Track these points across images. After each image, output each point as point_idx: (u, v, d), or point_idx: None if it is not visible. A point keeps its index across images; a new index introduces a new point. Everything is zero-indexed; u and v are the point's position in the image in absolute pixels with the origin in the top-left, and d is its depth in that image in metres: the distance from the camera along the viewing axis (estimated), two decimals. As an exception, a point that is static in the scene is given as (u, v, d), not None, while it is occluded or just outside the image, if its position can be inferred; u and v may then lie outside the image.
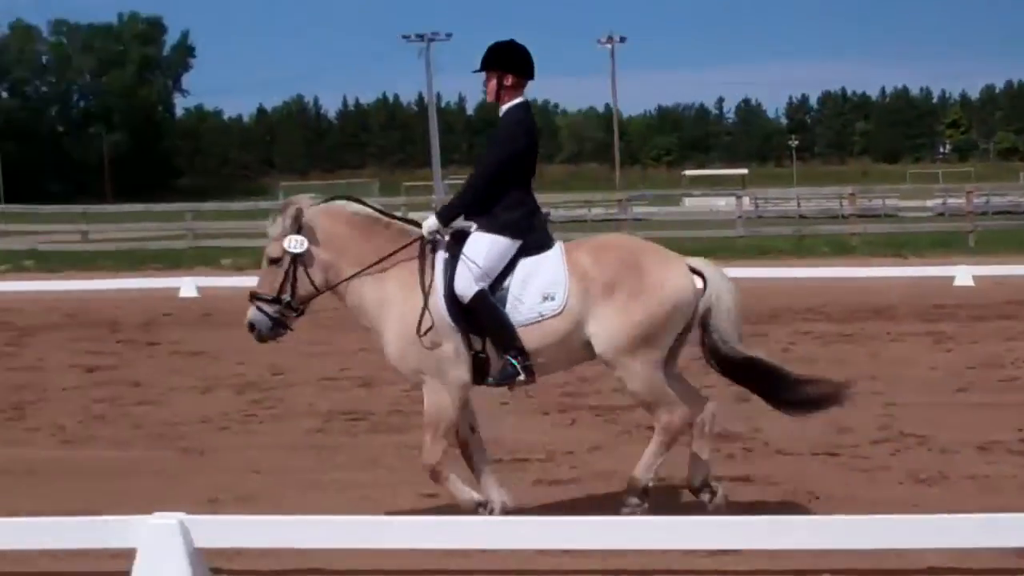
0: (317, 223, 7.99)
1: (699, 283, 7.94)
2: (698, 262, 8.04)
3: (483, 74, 8.10)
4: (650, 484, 7.75)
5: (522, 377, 7.77)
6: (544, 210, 8.47)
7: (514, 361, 7.72)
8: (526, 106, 8.16)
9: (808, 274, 24.95)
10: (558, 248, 7.94)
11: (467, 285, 7.69)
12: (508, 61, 8.10)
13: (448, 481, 7.84)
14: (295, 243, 7.91)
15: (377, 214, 8.12)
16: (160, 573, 6.66)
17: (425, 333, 7.68)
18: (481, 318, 7.73)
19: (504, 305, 7.78)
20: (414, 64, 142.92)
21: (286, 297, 7.98)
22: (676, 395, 7.87)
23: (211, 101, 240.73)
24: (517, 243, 7.89)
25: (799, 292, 21.71)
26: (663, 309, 7.73)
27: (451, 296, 7.74)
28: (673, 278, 7.82)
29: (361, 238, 7.98)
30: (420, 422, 8.24)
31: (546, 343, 7.78)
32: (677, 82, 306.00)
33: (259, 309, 8.00)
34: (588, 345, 7.83)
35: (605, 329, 7.75)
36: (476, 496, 7.85)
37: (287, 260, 7.95)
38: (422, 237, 7.92)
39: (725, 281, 8.03)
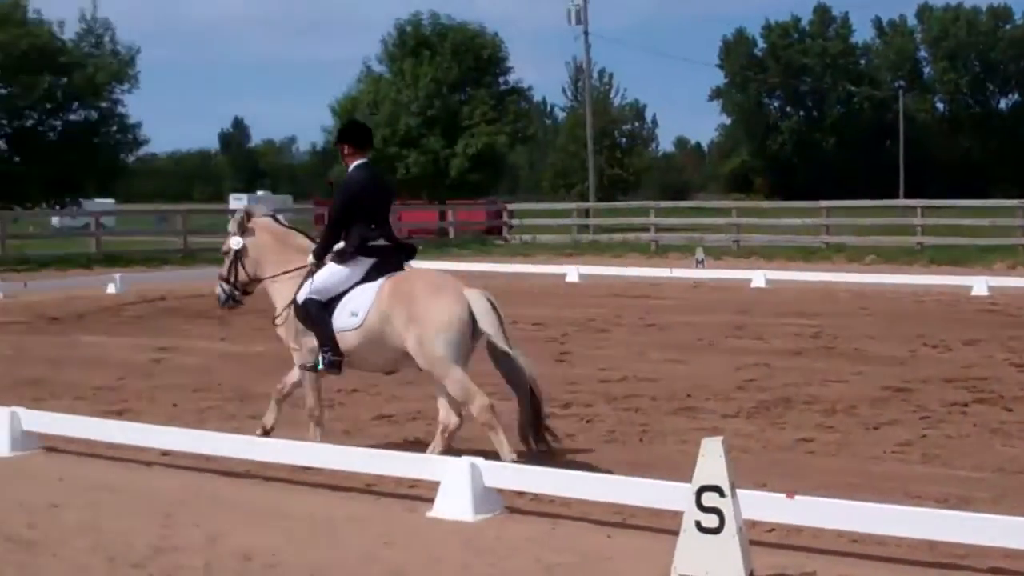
0: (254, 230, 10.97)
1: (469, 307, 9.89)
2: (467, 292, 9.98)
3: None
4: (513, 457, 9.37)
5: (321, 367, 10.24)
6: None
7: (323, 354, 10.16)
8: (363, 166, 10.69)
9: None
10: (381, 280, 10.19)
11: (303, 295, 10.30)
12: (348, 136, 10.89)
13: (312, 428, 10.55)
14: (235, 242, 10.97)
15: (294, 234, 11.10)
16: (455, 501, 8.53)
17: (284, 321, 10.57)
18: (308, 319, 10.24)
19: (333, 314, 10.17)
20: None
21: (232, 280, 11.03)
22: (479, 388, 9.87)
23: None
24: (350, 269, 10.32)
25: None
26: (434, 328, 9.74)
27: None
28: (444, 304, 9.85)
29: (279, 249, 10.84)
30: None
31: (350, 347, 10.12)
32: None
33: (220, 286, 11.14)
34: (405, 355, 9.98)
35: (411, 345, 9.84)
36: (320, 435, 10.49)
37: (232, 254, 11.01)
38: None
39: (484, 303, 9.96)
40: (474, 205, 57.66)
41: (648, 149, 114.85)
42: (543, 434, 9.78)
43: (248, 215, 11.16)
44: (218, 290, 11.24)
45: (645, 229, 44.29)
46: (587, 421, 11.64)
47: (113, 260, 36.23)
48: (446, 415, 10.04)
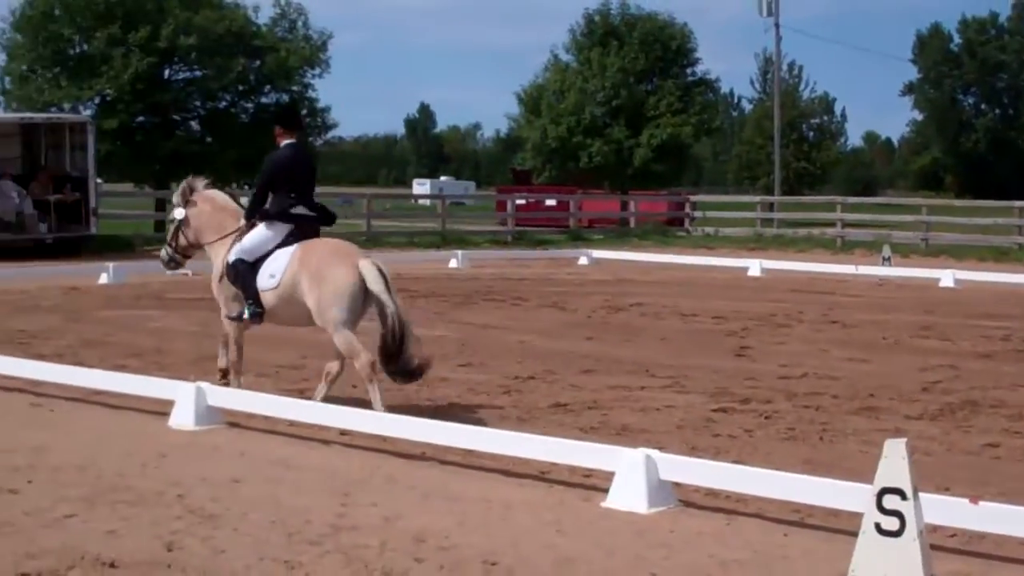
0: (196, 201, 12.50)
1: (361, 274, 11.32)
2: (361, 262, 11.48)
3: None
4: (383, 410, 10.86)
5: (247, 316, 11.78)
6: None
7: (247, 307, 11.72)
8: (289, 145, 12.31)
9: None
10: (295, 246, 11.67)
11: (233, 255, 11.81)
12: (279, 119, 12.83)
13: (232, 376, 12.13)
14: (178, 212, 12.64)
15: (230, 201, 12.64)
16: (629, 493, 8.49)
17: (220, 279, 12.09)
18: (237, 276, 11.74)
19: (257, 273, 11.66)
20: None
21: (174, 245, 12.70)
22: (365, 346, 11.39)
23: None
24: (273, 231, 11.89)
25: None
26: (329, 294, 11.29)
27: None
28: (339, 273, 11.34)
29: (217, 216, 12.35)
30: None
31: (269, 305, 11.67)
32: None
33: (164, 250, 12.93)
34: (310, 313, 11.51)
35: (311, 305, 11.40)
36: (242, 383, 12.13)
37: (175, 222, 12.73)
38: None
39: (374, 271, 11.35)
40: (656, 196, 57.44)
41: (836, 143, 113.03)
42: (398, 366, 11.34)
43: (190, 188, 12.67)
44: (162, 253, 13.08)
45: (831, 224, 43.63)
46: (766, 417, 11.50)
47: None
48: (332, 364, 11.83)
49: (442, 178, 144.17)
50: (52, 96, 45.10)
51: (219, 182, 50.54)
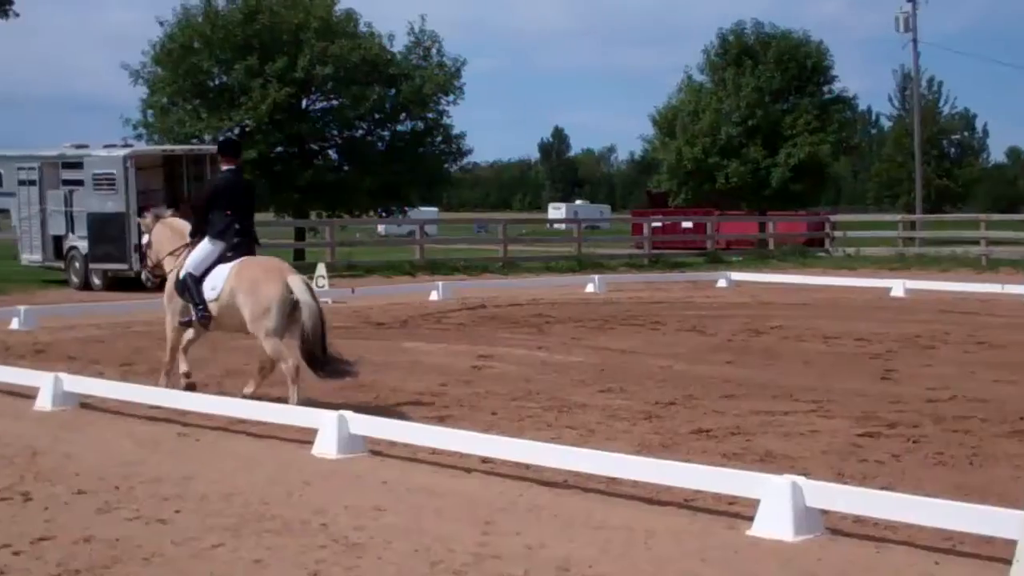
0: (157, 227, 14.61)
1: (290, 291, 12.82)
2: (290, 278, 12.94)
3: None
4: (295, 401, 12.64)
5: (195, 319, 13.50)
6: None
7: (197, 311, 13.42)
8: (229, 171, 13.99)
9: None
10: (235, 262, 13.25)
11: (183, 270, 13.56)
12: (221, 149, 14.56)
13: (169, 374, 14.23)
14: (145, 237, 15.31)
15: (184, 225, 14.36)
16: (776, 521, 8.35)
17: (172, 295, 13.97)
18: (185, 289, 13.51)
19: (202, 285, 13.34)
20: None
21: (146, 264, 15.33)
22: (291, 352, 12.85)
23: None
24: (214, 247, 13.53)
25: None
26: (260, 306, 12.82)
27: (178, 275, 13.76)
28: (270, 288, 12.87)
29: (171, 237, 14.36)
30: None
31: (213, 313, 13.32)
32: None
33: (143, 272, 16.13)
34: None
35: (246, 316, 12.94)
36: (185, 369, 13.95)
37: (145, 245, 15.47)
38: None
39: (301, 284, 12.91)
40: (795, 216, 56.90)
41: (978, 160, 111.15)
42: (324, 367, 12.87)
43: (156, 216, 14.84)
44: (143, 275, 16.16)
45: (975, 242, 42.87)
46: (914, 442, 11.26)
47: (435, 267, 37.13)
48: (262, 365, 13.60)
49: (577, 202, 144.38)
50: (193, 128, 45.97)
51: (355, 210, 51.20)
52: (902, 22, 68.02)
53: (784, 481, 8.30)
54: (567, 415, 12.72)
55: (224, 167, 14.12)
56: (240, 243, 13.62)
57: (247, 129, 46.14)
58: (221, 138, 17.17)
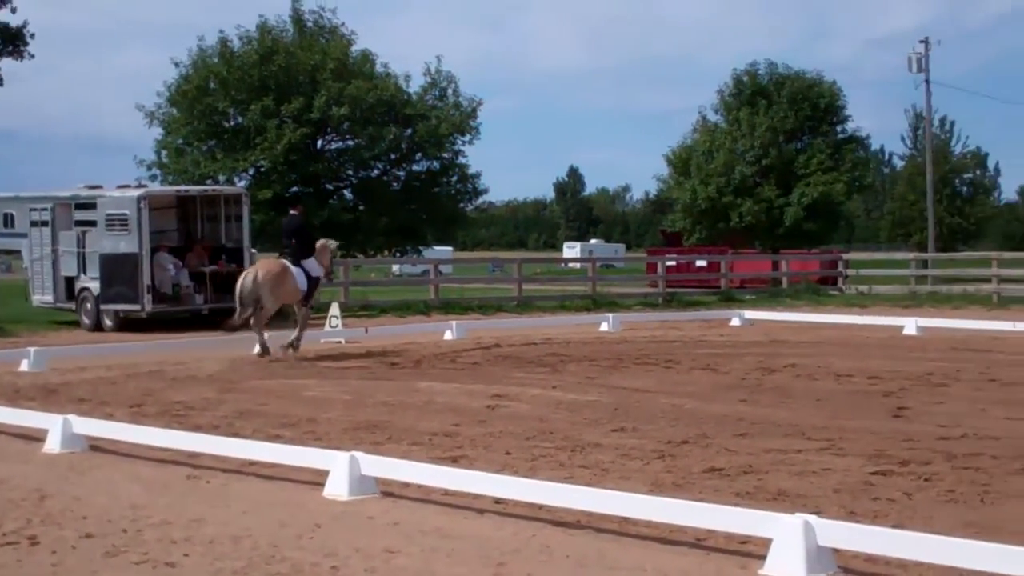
0: None
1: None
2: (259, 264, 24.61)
3: None
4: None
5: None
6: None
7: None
8: (291, 216, 24.88)
9: None
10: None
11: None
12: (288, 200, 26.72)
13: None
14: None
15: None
16: (788, 560, 8.35)
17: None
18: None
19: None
20: None
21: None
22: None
23: None
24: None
25: None
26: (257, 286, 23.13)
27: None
28: (251, 274, 23.62)
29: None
30: None
31: None
32: None
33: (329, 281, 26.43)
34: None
35: None
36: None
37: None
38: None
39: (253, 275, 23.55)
40: (808, 255, 56.92)
41: (990, 198, 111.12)
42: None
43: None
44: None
45: (987, 280, 42.81)
46: (925, 480, 11.24)
47: (450, 307, 37.14)
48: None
49: (592, 241, 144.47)
50: (207, 168, 46.21)
51: (370, 249, 51.49)
52: (915, 62, 68.23)
53: (796, 520, 8.31)
54: (580, 454, 12.72)
55: (291, 211, 25.11)
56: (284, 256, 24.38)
57: (262, 170, 46.32)
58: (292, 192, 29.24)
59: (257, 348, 23.55)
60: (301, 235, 24.27)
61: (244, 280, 23.37)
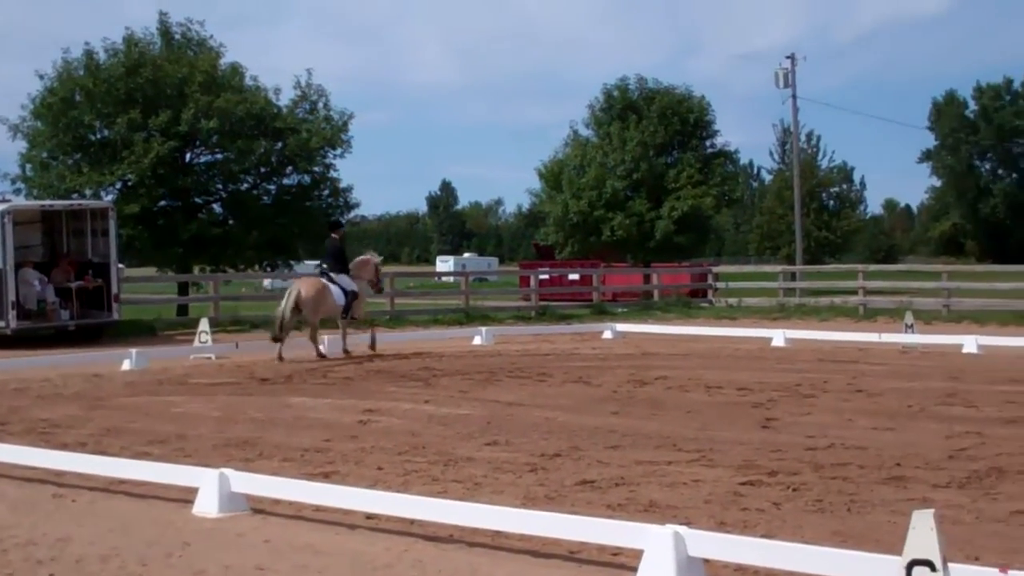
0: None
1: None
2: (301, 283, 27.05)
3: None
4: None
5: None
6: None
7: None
8: (331, 239, 27.86)
9: None
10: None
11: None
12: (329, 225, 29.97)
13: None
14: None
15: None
16: (658, 570, 8.40)
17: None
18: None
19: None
20: None
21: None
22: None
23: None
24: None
25: None
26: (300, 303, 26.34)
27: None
28: (295, 292, 26.49)
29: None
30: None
31: None
32: None
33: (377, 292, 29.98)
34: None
35: None
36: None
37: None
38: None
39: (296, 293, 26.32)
40: (679, 268, 57.50)
41: (856, 211, 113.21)
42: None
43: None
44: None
45: (853, 292, 43.57)
46: (793, 489, 11.39)
47: (321, 321, 36.87)
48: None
49: (465, 255, 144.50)
50: (73, 182, 45.38)
51: (242, 264, 50.77)
52: (781, 78, 69.36)
53: (666, 531, 8.36)
54: (453, 469, 12.70)
55: (332, 235, 27.95)
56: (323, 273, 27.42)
57: (129, 183, 45.68)
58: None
59: (313, 352, 26.85)
60: (337, 256, 27.40)
61: (288, 298, 26.39)
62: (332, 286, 26.88)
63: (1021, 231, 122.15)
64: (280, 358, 25.68)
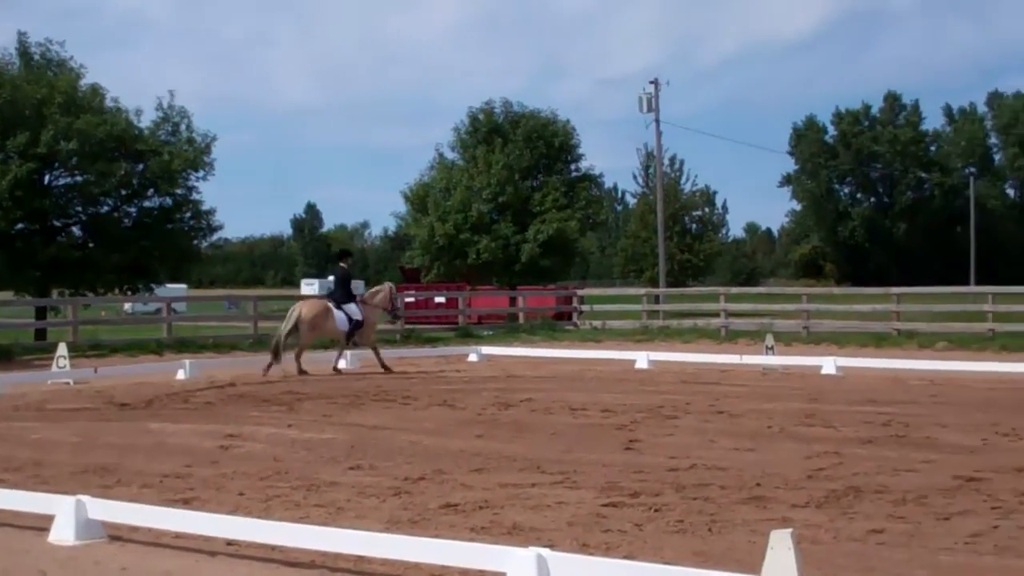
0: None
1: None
2: (304, 304, 28.85)
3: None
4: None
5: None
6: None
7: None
8: (340, 267, 30.07)
9: None
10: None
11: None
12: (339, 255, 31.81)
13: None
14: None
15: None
16: (520, 595, 8.42)
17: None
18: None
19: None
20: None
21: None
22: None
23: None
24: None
25: None
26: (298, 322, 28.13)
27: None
28: (296, 311, 28.24)
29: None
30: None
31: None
32: None
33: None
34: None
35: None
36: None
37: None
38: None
39: (297, 312, 28.15)
40: (544, 291, 57.75)
41: (718, 235, 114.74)
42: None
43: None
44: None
45: (715, 315, 44.08)
46: (655, 510, 11.48)
47: (184, 346, 36.47)
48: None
49: (330, 277, 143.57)
50: (-72, 205, 44.37)
51: (100, 288, 49.87)
52: (645, 102, 70.10)
53: (529, 553, 8.38)
54: (316, 494, 12.61)
55: (341, 264, 30.03)
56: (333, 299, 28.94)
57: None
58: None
59: (294, 369, 27.89)
60: (344, 284, 29.13)
61: (289, 319, 28.23)
62: (337, 312, 28.42)
63: (879, 254, 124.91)
64: (301, 371, 27.77)
